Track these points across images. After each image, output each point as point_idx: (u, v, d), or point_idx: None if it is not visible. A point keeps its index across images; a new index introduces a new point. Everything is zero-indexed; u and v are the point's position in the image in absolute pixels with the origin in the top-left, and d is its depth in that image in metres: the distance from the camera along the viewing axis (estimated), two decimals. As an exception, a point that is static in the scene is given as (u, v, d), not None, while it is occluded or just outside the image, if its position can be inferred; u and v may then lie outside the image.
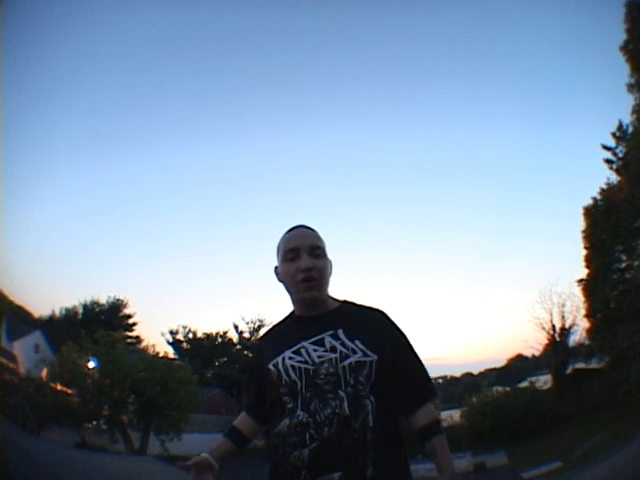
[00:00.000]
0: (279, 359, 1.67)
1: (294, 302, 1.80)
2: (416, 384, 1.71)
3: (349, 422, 1.51)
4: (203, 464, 1.68)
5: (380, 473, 1.50)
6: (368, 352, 1.61)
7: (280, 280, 1.81)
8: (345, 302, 1.81)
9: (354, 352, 1.61)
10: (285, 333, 1.77)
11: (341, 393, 1.54)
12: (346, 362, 1.59)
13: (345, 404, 1.53)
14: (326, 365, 1.59)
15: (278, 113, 49.32)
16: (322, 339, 1.65)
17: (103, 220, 46.85)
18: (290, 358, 1.65)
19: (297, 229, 1.80)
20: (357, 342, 1.63)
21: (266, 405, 1.74)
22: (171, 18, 36.07)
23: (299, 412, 1.55)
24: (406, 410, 1.67)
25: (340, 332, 1.66)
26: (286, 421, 1.57)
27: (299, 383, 1.59)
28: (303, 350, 1.65)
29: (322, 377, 1.58)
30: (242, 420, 1.88)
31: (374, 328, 1.70)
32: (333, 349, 1.62)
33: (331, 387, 1.56)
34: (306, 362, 1.62)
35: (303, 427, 1.53)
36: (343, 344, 1.62)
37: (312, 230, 1.81)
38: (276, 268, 1.82)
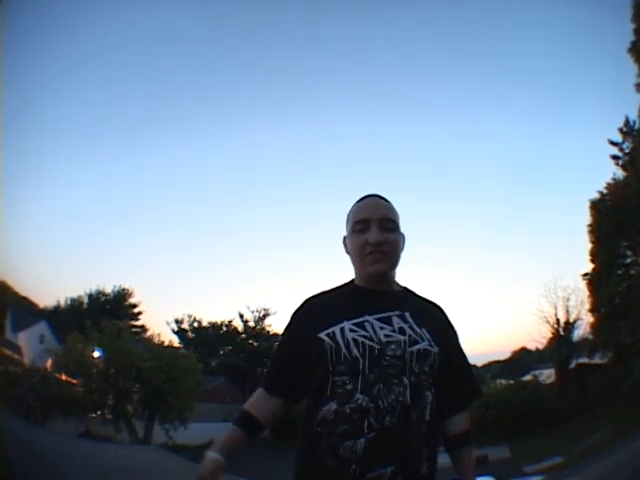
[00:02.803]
0: (336, 329, 1.46)
1: (358, 274, 1.63)
2: (465, 386, 1.61)
3: (409, 412, 1.38)
4: (218, 470, 1.45)
5: (432, 471, 1.42)
6: (433, 342, 1.49)
7: (347, 252, 1.64)
8: (406, 289, 1.67)
9: (422, 339, 1.47)
10: (343, 301, 1.57)
11: (405, 380, 1.40)
12: (415, 348, 1.45)
13: (408, 392, 1.39)
14: (393, 347, 1.43)
15: (276, 108, 49.18)
16: (389, 317, 1.49)
17: (108, 210, 47.08)
18: (352, 331, 1.45)
19: (369, 198, 1.63)
20: (424, 330, 1.50)
21: (294, 382, 1.55)
22: (169, 15, 36.18)
23: (358, 395, 1.37)
24: (446, 411, 1.54)
25: (407, 315, 1.52)
26: (333, 405, 1.39)
27: (361, 362, 1.40)
28: (368, 325, 1.46)
29: (388, 359, 1.41)
30: (256, 402, 1.60)
31: (437, 320, 1.60)
32: (401, 331, 1.47)
33: (396, 371, 1.40)
34: (371, 339, 1.43)
35: (362, 413, 1.36)
36: (412, 328, 1.48)
37: (386, 201, 1.63)
38: (345, 239, 1.65)
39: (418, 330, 1.49)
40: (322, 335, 1.46)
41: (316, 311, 1.58)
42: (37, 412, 15.29)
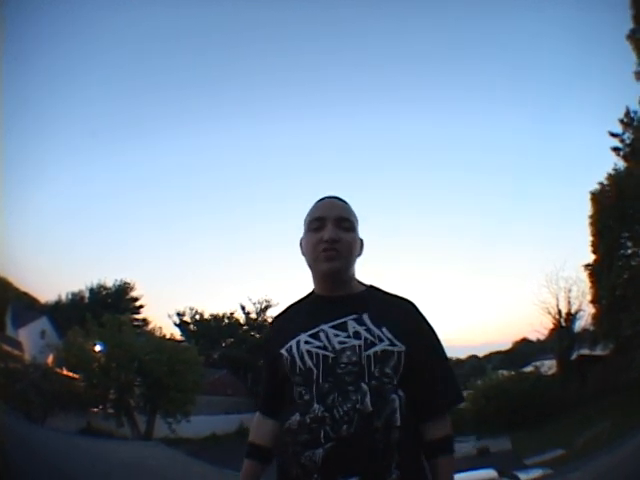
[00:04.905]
0: (293, 343, 1.47)
1: (314, 279, 1.58)
2: (440, 387, 1.49)
3: (371, 420, 1.33)
4: None
5: (409, 477, 1.35)
6: (395, 341, 1.41)
7: (303, 254, 1.60)
8: (372, 287, 1.60)
9: (380, 340, 1.41)
10: (302, 314, 1.56)
11: (364, 386, 1.35)
12: (371, 351, 1.39)
13: (367, 399, 1.34)
14: (348, 353, 1.39)
15: (281, 101, 49.26)
16: (344, 323, 1.45)
17: (108, 204, 46.97)
18: (306, 342, 1.45)
19: (326, 199, 1.60)
20: (384, 329, 1.43)
21: (281, 400, 1.52)
22: (168, 14, 36.21)
23: (315, 405, 1.37)
24: (421, 414, 1.45)
25: (365, 317, 1.45)
26: (297, 416, 1.39)
27: (315, 372, 1.40)
28: (322, 334, 1.44)
29: (343, 366, 1.38)
30: (257, 429, 1.64)
31: (402, 317, 1.49)
32: (357, 335, 1.42)
33: (353, 378, 1.36)
34: (325, 348, 1.42)
35: (318, 423, 1.34)
36: (368, 330, 1.43)
37: (343, 201, 1.60)
38: (301, 241, 1.61)
39: (376, 331, 1.43)
40: (282, 350, 1.49)
41: (280, 328, 1.60)
42: (37, 408, 15.26)
